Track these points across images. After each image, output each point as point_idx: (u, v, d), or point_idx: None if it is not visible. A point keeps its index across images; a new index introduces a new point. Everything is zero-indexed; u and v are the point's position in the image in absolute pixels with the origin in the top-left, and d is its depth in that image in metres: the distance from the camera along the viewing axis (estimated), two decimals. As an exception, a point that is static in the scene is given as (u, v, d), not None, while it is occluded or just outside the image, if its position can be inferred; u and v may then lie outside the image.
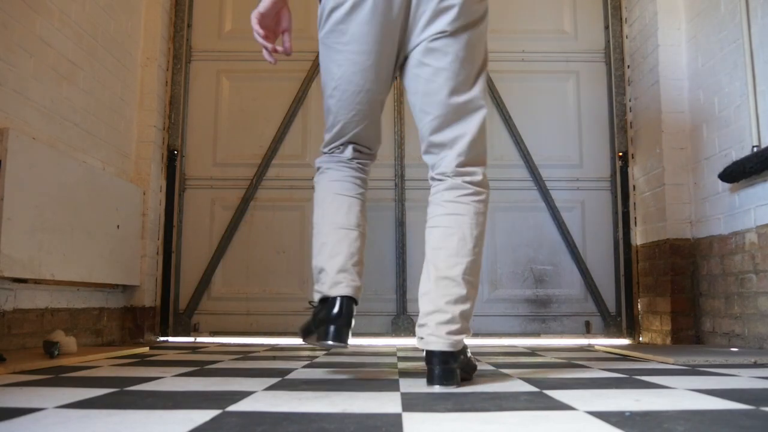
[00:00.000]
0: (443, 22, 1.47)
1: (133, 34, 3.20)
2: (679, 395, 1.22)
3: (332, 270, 1.54)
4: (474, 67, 1.53)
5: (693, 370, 1.72)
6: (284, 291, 3.33)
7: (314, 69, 3.46)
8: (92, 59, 2.78)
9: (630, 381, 1.47)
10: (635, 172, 3.37)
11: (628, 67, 3.45)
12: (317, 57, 3.46)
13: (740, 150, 2.54)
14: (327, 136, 1.63)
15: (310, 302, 1.63)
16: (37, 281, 2.31)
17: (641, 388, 1.32)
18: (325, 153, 1.64)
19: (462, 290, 1.42)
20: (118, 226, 2.85)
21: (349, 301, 1.49)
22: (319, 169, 1.64)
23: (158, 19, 3.33)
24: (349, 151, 1.60)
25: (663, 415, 0.99)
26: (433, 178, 1.55)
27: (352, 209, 1.57)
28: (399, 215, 3.34)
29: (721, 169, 2.59)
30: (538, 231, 3.38)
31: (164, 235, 3.33)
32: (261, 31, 1.59)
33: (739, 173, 2.47)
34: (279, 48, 1.62)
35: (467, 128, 1.50)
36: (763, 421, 0.93)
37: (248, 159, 3.41)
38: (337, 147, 1.61)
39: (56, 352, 1.92)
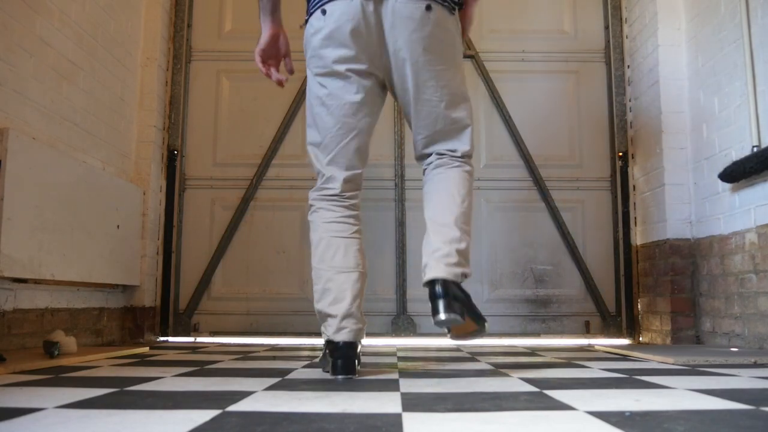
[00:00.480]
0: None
1: (133, 34, 3.20)
2: (679, 395, 1.22)
3: (337, 316, 1.63)
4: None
5: (693, 370, 1.72)
6: (284, 291, 3.33)
7: (314, 69, 3.45)
8: (92, 59, 2.78)
9: (630, 381, 1.47)
10: (635, 172, 3.37)
11: (628, 67, 3.45)
12: (317, 57, 3.47)
13: (740, 150, 2.54)
14: (316, 154, 1.72)
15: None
16: (37, 281, 2.31)
17: (641, 388, 1.32)
18: (317, 185, 1.73)
19: (456, 233, 1.58)
20: (118, 226, 2.85)
21: (352, 344, 1.61)
22: (312, 207, 1.73)
23: (158, 19, 3.33)
24: (338, 180, 1.68)
25: (663, 415, 0.99)
26: (424, 169, 1.77)
27: (349, 250, 1.67)
28: (399, 215, 3.34)
29: (721, 169, 2.59)
30: (538, 231, 3.38)
31: (164, 235, 3.33)
32: (263, 69, 1.83)
33: (739, 173, 2.47)
34: (282, 77, 1.84)
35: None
36: (763, 421, 0.93)
37: (248, 159, 3.41)
38: (324, 170, 1.70)
39: (56, 352, 1.92)
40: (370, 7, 1.58)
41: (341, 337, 1.60)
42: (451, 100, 1.68)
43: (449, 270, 1.52)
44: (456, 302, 1.50)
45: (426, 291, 1.59)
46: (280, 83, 1.83)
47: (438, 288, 1.51)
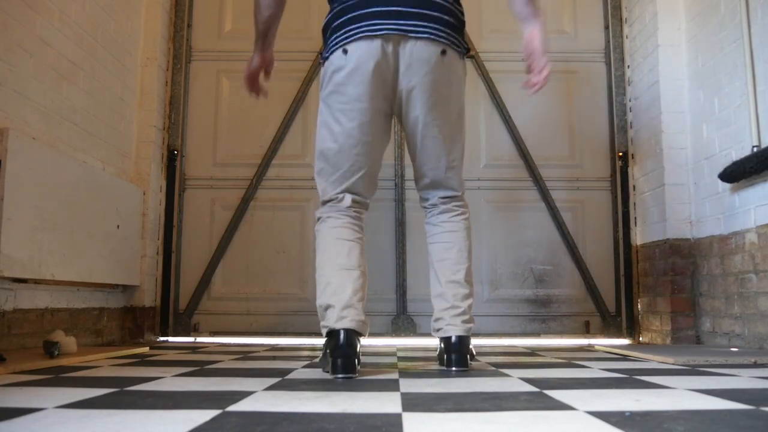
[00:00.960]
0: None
1: (133, 34, 3.20)
2: (679, 395, 1.22)
3: (338, 306, 1.63)
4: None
5: (693, 370, 1.72)
6: (284, 291, 3.33)
7: (314, 69, 3.46)
8: (92, 59, 2.78)
9: (630, 381, 1.47)
10: (635, 172, 3.37)
11: (628, 67, 3.45)
12: (317, 57, 3.48)
13: (740, 150, 2.54)
14: (325, 187, 1.80)
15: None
16: (37, 281, 2.31)
17: (641, 388, 1.32)
18: (324, 203, 1.80)
19: (466, 289, 1.79)
20: (118, 226, 2.85)
21: (353, 334, 1.60)
22: (319, 219, 1.79)
23: (158, 19, 3.33)
24: (347, 200, 1.78)
25: (663, 415, 0.99)
26: (425, 207, 1.94)
27: (353, 252, 1.72)
28: (399, 215, 3.34)
29: (721, 169, 2.59)
30: (538, 231, 3.38)
31: (164, 235, 3.33)
32: (251, 91, 2.08)
33: (739, 173, 2.47)
34: (266, 88, 2.12)
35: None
36: (763, 421, 0.93)
37: (248, 159, 3.41)
38: (335, 196, 1.78)
39: (56, 352, 1.92)
40: (390, 48, 1.69)
41: (342, 324, 1.59)
42: (452, 138, 1.83)
43: (465, 327, 1.76)
44: (466, 358, 1.74)
45: (426, 292, 1.83)
46: (264, 95, 2.12)
47: (454, 347, 1.74)
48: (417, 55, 1.70)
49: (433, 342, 1.93)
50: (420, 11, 1.71)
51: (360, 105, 1.72)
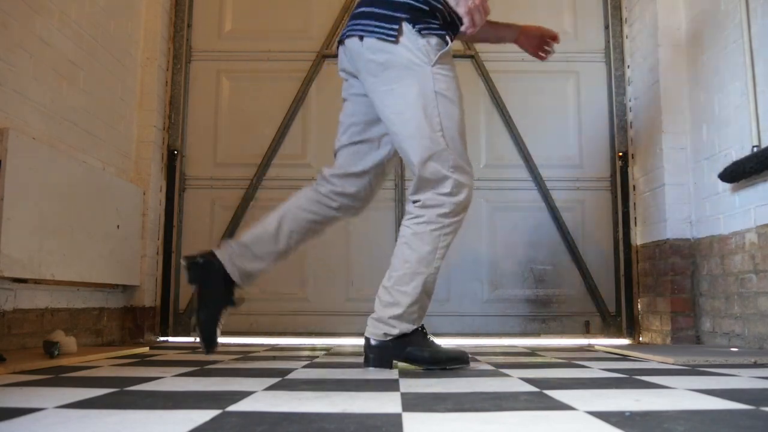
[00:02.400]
0: None
1: (133, 34, 3.20)
2: (679, 395, 1.22)
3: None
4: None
5: (693, 370, 1.72)
6: (284, 291, 3.33)
7: (314, 69, 3.46)
8: (92, 59, 2.78)
9: (630, 381, 1.47)
10: (635, 172, 3.37)
11: (628, 67, 3.45)
12: (317, 57, 3.48)
13: (740, 150, 2.54)
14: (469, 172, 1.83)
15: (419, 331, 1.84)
16: (37, 281, 2.31)
17: (641, 388, 1.32)
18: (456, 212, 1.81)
19: (389, 297, 1.79)
20: (118, 226, 2.85)
21: None
22: (448, 227, 1.80)
23: (158, 19, 3.33)
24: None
25: (663, 415, 0.99)
26: None
27: None
28: (399, 215, 3.34)
29: (721, 169, 2.59)
30: (538, 231, 3.38)
31: (164, 235, 3.33)
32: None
33: (739, 173, 2.47)
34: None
35: None
36: (763, 421, 0.93)
37: (248, 159, 3.41)
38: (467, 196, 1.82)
39: (56, 352, 1.92)
40: None
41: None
42: (402, 135, 1.81)
43: (373, 329, 1.81)
44: (373, 356, 1.81)
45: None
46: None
47: (366, 347, 1.83)
48: None
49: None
50: None
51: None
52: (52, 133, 2.47)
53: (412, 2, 1.78)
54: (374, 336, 1.79)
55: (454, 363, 1.77)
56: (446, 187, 1.76)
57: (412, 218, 1.81)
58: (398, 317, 1.77)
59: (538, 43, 2.19)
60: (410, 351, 1.76)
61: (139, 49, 3.27)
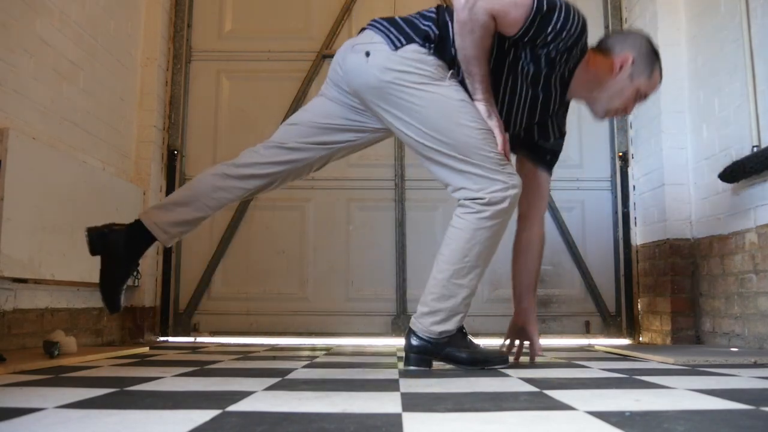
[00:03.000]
0: None
1: (133, 34, 3.20)
2: (679, 395, 1.22)
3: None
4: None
5: (693, 370, 1.72)
6: (284, 291, 3.33)
7: (314, 69, 3.46)
8: (92, 59, 2.78)
9: (630, 381, 1.47)
10: (635, 172, 3.37)
11: (628, 67, 3.44)
12: (317, 57, 3.48)
13: (740, 150, 2.54)
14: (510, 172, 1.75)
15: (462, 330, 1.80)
16: (37, 281, 2.31)
17: (641, 388, 1.32)
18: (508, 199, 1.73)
19: (444, 290, 1.72)
20: (118, 226, 2.84)
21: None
22: (501, 211, 1.71)
23: (158, 19, 3.33)
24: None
25: (663, 415, 0.99)
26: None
27: None
28: (399, 215, 3.34)
29: (721, 169, 2.59)
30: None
31: (164, 235, 3.33)
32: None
33: (739, 173, 2.47)
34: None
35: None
36: (763, 421, 0.93)
37: (248, 159, 3.40)
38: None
39: (56, 352, 1.92)
40: None
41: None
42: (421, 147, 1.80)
43: (419, 324, 1.77)
44: (424, 361, 1.77)
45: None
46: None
47: (408, 345, 1.79)
48: None
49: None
50: None
51: None
52: (52, 133, 2.47)
53: (430, 32, 1.70)
54: (423, 332, 1.74)
55: (492, 364, 1.76)
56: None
57: (472, 211, 1.71)
58: (451, 312, 1.73)
59: (521, 337, 2.02)
60: (449, 351, 1.74)
61: (139, 49, 3.27)
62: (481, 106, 1.72)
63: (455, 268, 1.71)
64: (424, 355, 1.75)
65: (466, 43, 1.62)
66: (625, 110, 1.86)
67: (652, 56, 1.79)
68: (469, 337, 1.79)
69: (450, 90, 1.70)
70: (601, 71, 1.78)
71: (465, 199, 1.71)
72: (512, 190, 1.70)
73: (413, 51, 1.68)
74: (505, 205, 1.69)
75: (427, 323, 1.74)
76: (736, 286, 2.58)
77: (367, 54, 1.71)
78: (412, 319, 1.78)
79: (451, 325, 1.72)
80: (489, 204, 1.68)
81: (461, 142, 1.68)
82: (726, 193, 2.66)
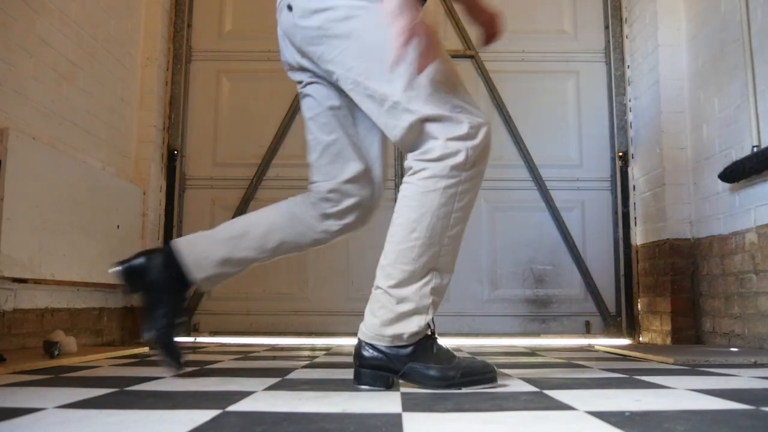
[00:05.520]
0: None
1: (133, 34, 3.20)
2: (679, 395, 1.22)
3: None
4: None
5: (693, 370, 1.72)
6: (284, 291, 3.33)
7: (314, 69, 3.45)
8: (92, 59, 2.78)
9: (630, 381, 1.47)
10: (635, 172, 3.37)
11: (628, 67, 3.45)
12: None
13: (740, 150, 2.54)
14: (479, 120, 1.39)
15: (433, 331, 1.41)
16: (37, 281, 2.31)
17: (641, 388, 1.32)
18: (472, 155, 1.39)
19: (389, 280, 1.39)
20: (118, 226, 2.85)
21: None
22: (462, 182, 1.38)
23: (158, 19, 3.33)
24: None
25: (663, 415, 0.99)
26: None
27: None
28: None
29: (721, 169, 2.59)
30: (538, 231, 3.37)
31: (164, 235, 3.33)
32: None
33: (739, 173, 2.47)
34: None
35: None
36: (763, 421, 0.93)
37: (248, 159, 3.41)
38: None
39: (56, 352, 1.92)
40: None
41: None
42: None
43: (364, 330, 1.40)
44: (361, 373, 1.37)
45: None
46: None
47: (355, 354, 1.39)
48: None
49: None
50: None
51: None
52: (52, 133, 2.47)
53: None
54: (372, 339, 1.35)
55: (473, 382, 1.30)
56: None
57: (416, 171, 1.42)
58: (404, 310, 1.34)
59: (488, 22, 1.64)
60: (413, 367, 1.32)
61: (139, 49, 3.27)
62: None
63: (400, 248, 1.40)
64: (379, 371, 1.34)
65: None
66: None
67: None
68: (441, 344, 1.36)
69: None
70: None
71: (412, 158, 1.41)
72: (470, 140, 1.33)
73: None
74: (459, 158, 1.33)
75: (374, 326, 1.35)
76: (736, 286, 2.58)
77: (289, 7, 1.48)
78: (360, 325, 1.40)
79: (406, 327, 1.32)
80: (438, 159, 1.34)
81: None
82: (726, 193, 2.66)
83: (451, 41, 3.47)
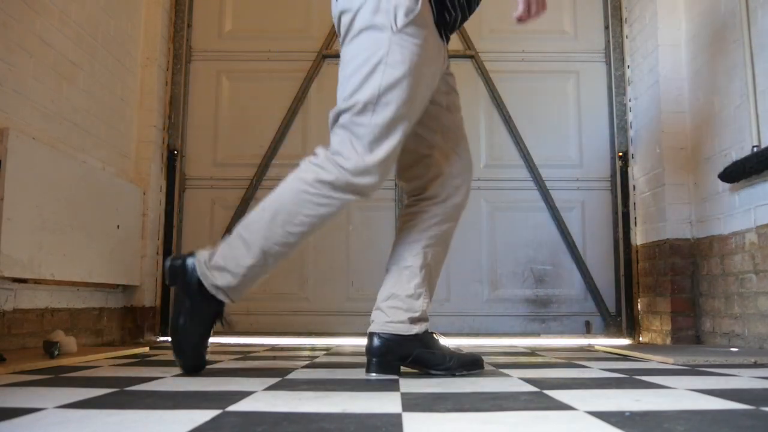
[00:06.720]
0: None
1: (133, 34, 3.20)
2: (679, 395, 1.22)
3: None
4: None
5: (693, 370, 1.72)
6: (284, 291, 3.33)
7: (314, 69, 3.46)
8: (92, 59, 2.78)
9: (630, 381, 1.47)
10: (635, 172, 3.37)
11: (628, 67, 3.45)
12: (317, 56, 3.48)
13: (740, 150, 2.54)
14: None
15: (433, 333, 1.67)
16: (37, 281, 2.31)
17: (641, 388, 1.32)
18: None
19: (242, 229, 1.56)
20: (118, 226, 2.85)
21: None
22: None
23: (158, 19, 3.33)
24: None
25: (663, 415, 0.99)
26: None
27: None
28: (398, 215, 3.34)
29: (721, 169, 2.59)
30: (538, 231, 3.38)
31: (164, 235, 3.33)
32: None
33: (739, 173, 2.47)
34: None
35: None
36: (763, 421, 0.93)
37: (248, 159, 3.41)
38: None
39: (56, 352, 1.92)
40: None
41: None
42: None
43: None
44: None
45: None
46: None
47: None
48: None
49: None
50: None
51: None
52: (52, 133, 2.47)
53: None
54: (199, 257, 1.55)
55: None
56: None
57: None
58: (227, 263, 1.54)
59: None
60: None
61: (139, 49, 3.27)
62: None
63: (253, 212, 1.54)
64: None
65: None
66: None
67: None
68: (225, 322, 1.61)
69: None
70: None
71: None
72: (348, 174, 1.46)
73: None
74: (328, 177, 1.46)
75: (204, 256, 1.55)
76: (736, 286, 2.58)
77: None
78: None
79: (214, 278, 1.55)
80: (327, 169, 1.47)
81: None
82: (726, 193, 2.66)
83: (451, 41, 3.47)
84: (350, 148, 1.47)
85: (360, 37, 1.49)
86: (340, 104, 1.50)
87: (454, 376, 1.56)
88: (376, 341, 1.61)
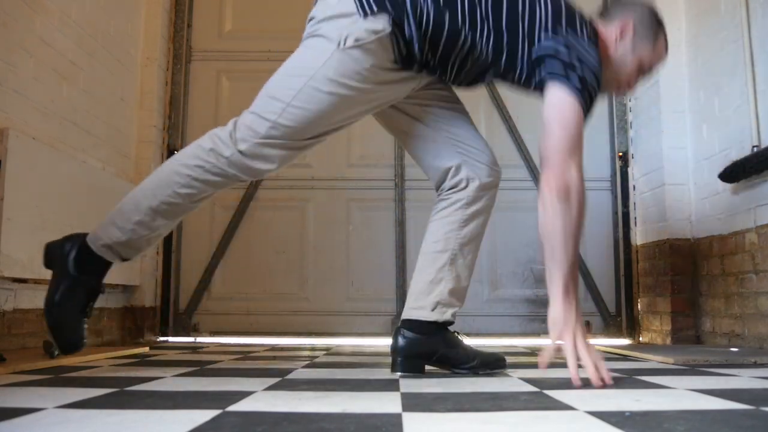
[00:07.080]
0: None
1: (133, 34, 3.20)
2: (679, 395, 1.22)
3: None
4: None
5: (693, 370, 1.72)
6: (284, 291, 3.33)
7: (314, 69, 3.45)
8: (92, 59, 2.78)
9: (630, 381, 1.47)
10: (635, 172, 3.37)
11: (628, 67, 3.45)
12: (317, 57, 3.48)
13: (740, 150, 2.54)
14: None
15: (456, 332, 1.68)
16: (37, 281, 2.31)
17: (641, 388, 1.32)
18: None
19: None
20: (118, 226, 2.84)
21: None
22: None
23: (158, 19, 3.33)
24: None
25: (663, 415, 0.99)
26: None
27: None
28: (399, 215, 3.34)
29: (721, 169, 2.59)
30: (538, 231, 3.37)
31: (164, 235, 3.33)
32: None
33: (739, 173, 2.47)
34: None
35: None
36: (763, 421, 0.93)
37: (248, 159, 3.40)
38: None
39: (56, 352, 1.91)
40: None
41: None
42: None
43: None
44: None
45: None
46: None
47: None
48: None
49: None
50: None
51: None
52: (52, 133, 2.47)
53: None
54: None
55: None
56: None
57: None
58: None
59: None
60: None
61: (139, 49, 3.27)
62: (558, 306, 1.34)
63: (140, 184, 1.61)
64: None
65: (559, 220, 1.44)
66: (628, 85, 1.63)
67: (654, 24, 1.61)
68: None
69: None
70: (602, 43, 1.57)
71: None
72: (255, 162, 1.55)
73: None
74: (222, 151, 1.55)
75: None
76: (736, 286, 2.58)
77: None
78: None
79: (107, 232, 1.59)
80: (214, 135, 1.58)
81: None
82: (726, 193, 2.66)
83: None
84: (251, 133, 1.56)
85: (311, 40, 1.57)
86: (265, 89, 1.62)
87: (477, 375, 1.58)
88: (401, 341, 1.61)
